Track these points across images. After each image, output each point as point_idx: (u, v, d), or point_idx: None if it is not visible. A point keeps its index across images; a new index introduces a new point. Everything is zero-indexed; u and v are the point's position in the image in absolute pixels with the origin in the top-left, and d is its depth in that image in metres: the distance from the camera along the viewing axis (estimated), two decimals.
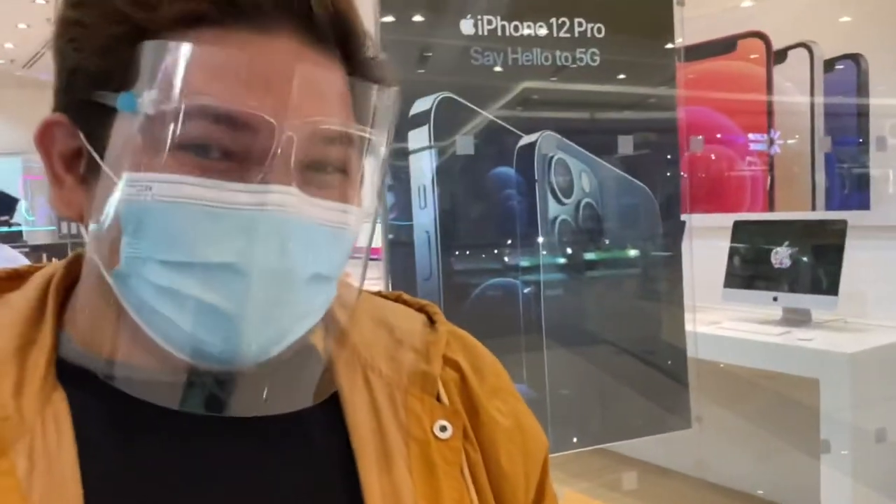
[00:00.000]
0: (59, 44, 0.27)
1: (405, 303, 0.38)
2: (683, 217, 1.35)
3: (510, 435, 0.34)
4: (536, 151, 1.00)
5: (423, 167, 0.99)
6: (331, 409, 0.30)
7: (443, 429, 0.32)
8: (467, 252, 1.01)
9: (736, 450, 2.06)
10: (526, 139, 1.00)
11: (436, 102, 0.96)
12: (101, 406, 0.27)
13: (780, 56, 2.06)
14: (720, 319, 1.88)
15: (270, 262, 0.24)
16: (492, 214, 1.03)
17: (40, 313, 0.29)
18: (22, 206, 5.59)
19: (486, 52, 0.98)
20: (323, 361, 0.31)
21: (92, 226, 0.26)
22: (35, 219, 6.10)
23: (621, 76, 1.06)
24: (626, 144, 1.05)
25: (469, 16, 0.96)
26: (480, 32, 0.97)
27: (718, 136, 2.35)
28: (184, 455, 0.28)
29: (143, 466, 0.27)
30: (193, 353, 0.25)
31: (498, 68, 0.99)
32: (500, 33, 0.98)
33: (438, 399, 0.33)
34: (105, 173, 0.25)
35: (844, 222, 1.74)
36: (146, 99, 0.23)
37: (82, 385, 0.27)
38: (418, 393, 0.32)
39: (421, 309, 0.37)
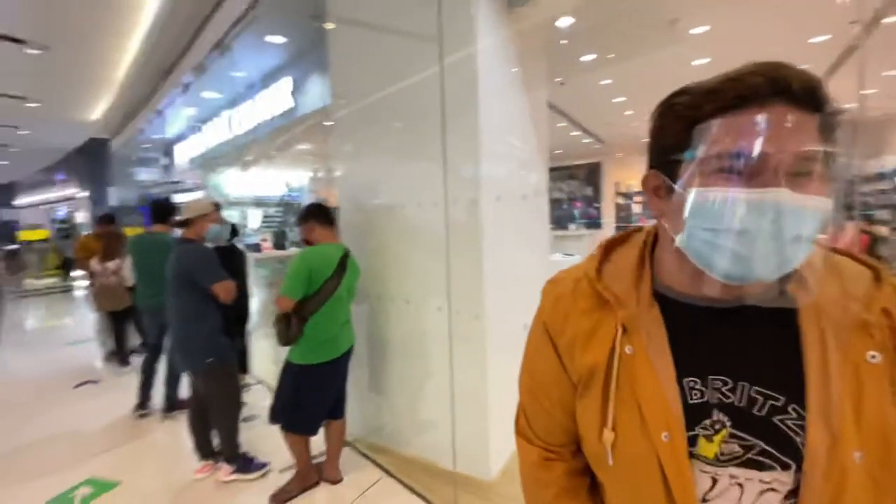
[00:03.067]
0: (652, 134, 0.52)
1: (855, 258, 0.51)
2: None
3: None
4: None
5: None
6: (789, 316, 0.48)
7: (873, 357, 0.45)
8: None
9: None
10: None
11: None
12: (675, 311, 0.52)
13: None
14: None
15: (767, 229, 0.42)
16: None
17: (641, 261, 0.55)
18: None
19: None
20: (793, 293, 0.47)
21: (670, 216, 0.50)
22: None
23: None
24: None
25: None
26: None
27: None
28: (715, 330, 0.50)
29: (697, 335, 0.51)
30: (727, 278, 0.46)
31: None
32: None
33: (871, 335, 0.45)
34: (678, 191, 0.48)
35: None
36: (702, 152, 0.45)
37: (664, 301, 0.53)
38: (857, 332, 0.46)
39: (870, 266, 0.50)
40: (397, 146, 2.33)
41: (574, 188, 10.05)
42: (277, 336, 2.10)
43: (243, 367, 3.15)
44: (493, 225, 2.05)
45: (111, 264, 3.78)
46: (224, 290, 2.13)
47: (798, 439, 0.46)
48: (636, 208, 9.63)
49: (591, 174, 10.03)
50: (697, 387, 0.50)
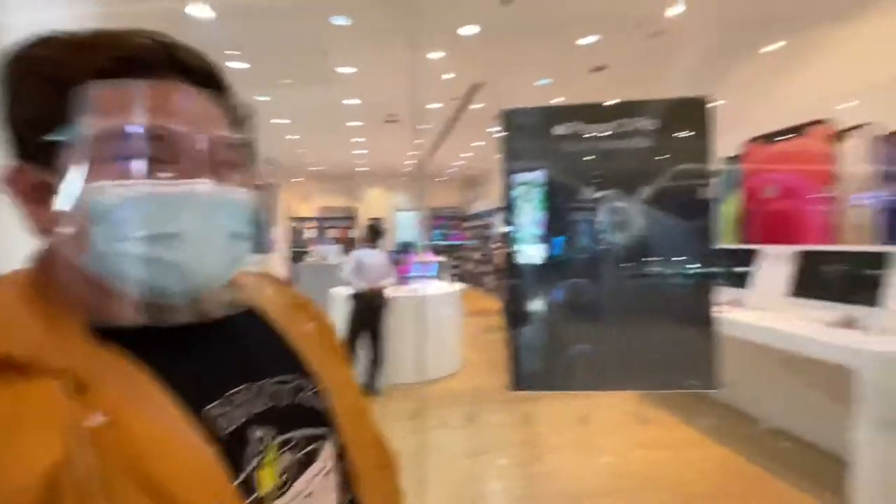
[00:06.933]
0: (8, 105, 0.35)
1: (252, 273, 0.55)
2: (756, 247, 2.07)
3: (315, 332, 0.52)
4: (603, 203, 1.60)
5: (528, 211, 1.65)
6: (247, 312, 0.48)
7: (311, 326, 0.52)
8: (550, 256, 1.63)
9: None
10: (596, 195, 1.60)
11: (542, 174, 1.63)
12: (135, 344, 0.36)
13: (841, 135, 2.55)
14: (782, 317, 2.41)
15: (204, 228, 0.37)
16: (572, 240, 1.64)
17: (32, 299, 0.36)
18: None
19: (570, 143, 1.62)
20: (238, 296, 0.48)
21: (64, 230, 0.34)
22: None
23: (668, 153, 1.60)
24: (668, 196, 1.59)
25: (560, 123, 1.62)
26: (567, 133, 1.62)
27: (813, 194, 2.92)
28: (199, 346, 0.41)
29: (185, 360, 0.39)
30: (166, 295, 0.38)
31: (577, 152, 1.62)
32: (580, 132, 1.62)
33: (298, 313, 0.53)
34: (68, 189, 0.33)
35: (891, 253, 2.06)
36: (94, 130, 0.33)
37: (108, 336, 0.35)
38: (293, 311, 0.52)
39: (260, 275, 0.55)
40: None
41: None
42: None
43: None
44: None
45: None
46: None
47: (317, 405, 0.46)
48: (309, 233, 9.81)
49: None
50: (222, 411, 0.39)
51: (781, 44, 3.06)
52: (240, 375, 0.42)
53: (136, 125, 0.34)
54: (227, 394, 0.39)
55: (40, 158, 0.35)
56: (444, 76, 4.21)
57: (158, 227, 0.35)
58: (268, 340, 0.48)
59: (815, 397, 2.37)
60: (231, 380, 0.41)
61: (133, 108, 0.34)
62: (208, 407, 0.38)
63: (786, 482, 2.17)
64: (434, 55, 3.80)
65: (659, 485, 2.22)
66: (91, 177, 0.33)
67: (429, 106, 4.97)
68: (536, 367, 1.60)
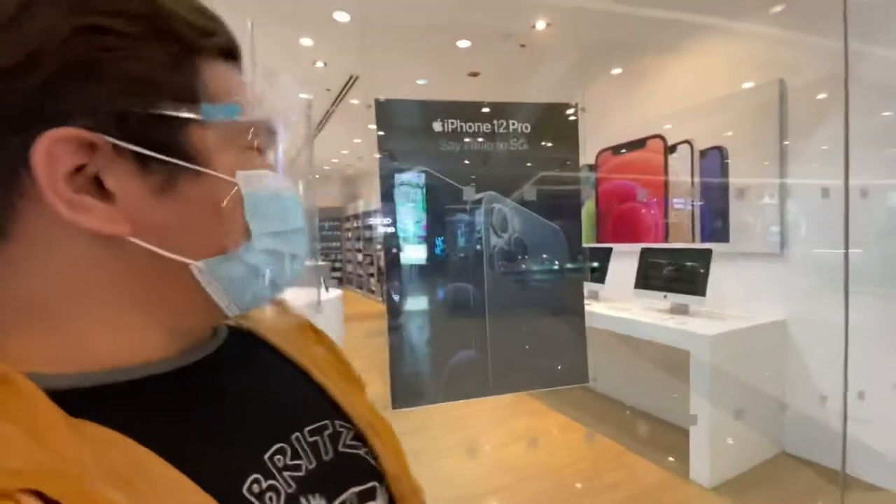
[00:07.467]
0: (84, 52, 0.23)
1: None
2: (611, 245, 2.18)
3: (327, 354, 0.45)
4: (483, 204, 1.57)
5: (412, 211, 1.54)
6: (249, 341, 0.40)
7: (321, 350, 0.44)
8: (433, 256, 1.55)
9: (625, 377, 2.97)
10: (476, 196, 1.57)
11: (421, 173, 1.53)
12: (127, 406, 0.26)
13: (672, 149, 2.95)
14: (631, 307, 2.77)
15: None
16: (453, 241, 1.59)
17: None
18: None
19: (448, 141, 1.56)
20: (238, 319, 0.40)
21: (178, 230, 0.27)
22: None
23: (540, 157, 1.65)
24: (542, 198, 1.63)
25: (438, 119, 1.54)
26: (446, 130, 1.55)
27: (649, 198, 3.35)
28: (216, 393, 0.32)
29: (203, 415, 0.30)
30: (261, 299, 0.32)
31: (456, 151, 1.57)
32: (458, 130, 1.56)
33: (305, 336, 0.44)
34: (210, 173, 0.27)
35: (710, 250, 2.44)
36: (238, 112, 0.27)
37: (78, 400, 0.24)
38: (298, 334, 0.44)
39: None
40: None
41: None
42: None
43: None
44: None
45: None
46: None
47: (362, 452, 0.38)
48: None
49: None
50: (267, 484, 0.28)
51: (623, 68, 3.51)
52: (270, 430, 0.32)
53: (275, 116, 0.31)
54: (264, 458, 0.30)
55: (142, 135, 0.25)
56: (317, 64, 3.89)
57: (294, 222, 0.33)
58: (286, 377, 0.38)
59: (663, 378, 2.72)
60: (262, 438, 0.31)
61: (257, 97, 0.30)
62: (249, 480, 0.28)
63: (645, 457, 2.44)
64: (305, 40, 3.47)
65: (540, 474, 2.32)
66: (230, 163, 0.28)
67: (300, 95, 4.56)
68: (420, 380, 1.50)
